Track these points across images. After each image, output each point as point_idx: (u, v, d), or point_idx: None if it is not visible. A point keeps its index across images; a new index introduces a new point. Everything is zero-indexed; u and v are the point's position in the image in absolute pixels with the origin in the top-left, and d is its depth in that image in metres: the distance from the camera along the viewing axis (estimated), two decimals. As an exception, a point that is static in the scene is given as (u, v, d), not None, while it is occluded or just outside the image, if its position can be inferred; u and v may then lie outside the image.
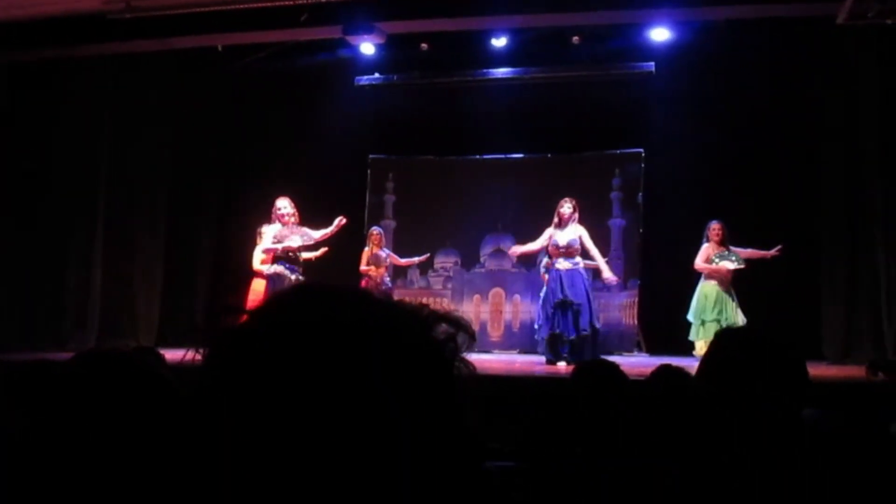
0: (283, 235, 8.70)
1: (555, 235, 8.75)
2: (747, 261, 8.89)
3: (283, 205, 8.77)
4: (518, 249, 9.29)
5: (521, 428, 4.00)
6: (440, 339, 0.73)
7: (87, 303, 9.80)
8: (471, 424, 0.74)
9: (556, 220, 8.82)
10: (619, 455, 2.50)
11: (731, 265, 8.85)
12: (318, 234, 8.87)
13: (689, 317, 9.01)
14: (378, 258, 9.76)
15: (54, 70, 9.62)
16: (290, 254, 8.70)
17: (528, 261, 10.22)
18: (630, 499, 2.38)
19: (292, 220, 8.76)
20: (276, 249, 8.67)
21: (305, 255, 8.93)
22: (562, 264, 8.63)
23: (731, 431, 1.80)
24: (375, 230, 10.05)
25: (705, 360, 1.93)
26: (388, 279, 10.02)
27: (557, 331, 8.56)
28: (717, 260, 8.89)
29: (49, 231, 9.78)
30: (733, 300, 8.85)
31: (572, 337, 8.45)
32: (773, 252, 8.82)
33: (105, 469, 1.43)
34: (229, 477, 0.67)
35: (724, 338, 1.99)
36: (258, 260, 8.94)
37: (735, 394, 1.80)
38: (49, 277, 9.72)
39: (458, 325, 0.75)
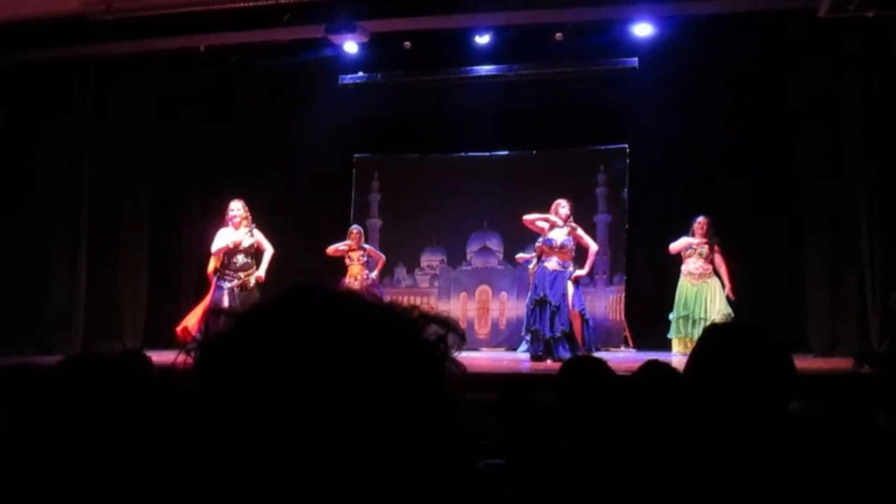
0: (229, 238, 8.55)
1: (550, 233, 8.67)
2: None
3: (236, 207, 8.59)
4: (528, 217, 8.82)
5: (508, 425, 4.01)
6: (431, 340, 0.74)
7: (71, 306, 9.73)
8: (462, 423, 0.74)
9: (554, 218, 8.66)
10: (606, 451, 2.51)
11: (692, 265, 8.87)
12: (266, 254, 8.67)
13: (671, 315, 9.04)
14: (353, 257, 9.73)
15: (34, 72, 9.55)
16: (233, 262, 8.53)
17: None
18: (616, 494, 2.39)
19: (244, 223, 8.58)
20: (227, 247, 8.49)
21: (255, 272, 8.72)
22: (550, 263, 8.60)
23: (717, 424, 1.81)
24: (355, 228, 10.00)
25: (693, 354, 1.94)
26: (371, 274, 9.94)
27: (534, 327, 8.57)
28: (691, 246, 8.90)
29: (32, 234, 9.71)
30: (713, 294, 8.82)
31: (548, 336, 8.45)
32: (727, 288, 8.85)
33: (90, 471, 1.42)
34: (231, 475, 0.67)
35: (712, 332, 2.00)
36: (211, 265, 8.76)
37: (722, 387, 1.81)
38: (33, 281, 9.65)
39: (448, 326, 0.76)
